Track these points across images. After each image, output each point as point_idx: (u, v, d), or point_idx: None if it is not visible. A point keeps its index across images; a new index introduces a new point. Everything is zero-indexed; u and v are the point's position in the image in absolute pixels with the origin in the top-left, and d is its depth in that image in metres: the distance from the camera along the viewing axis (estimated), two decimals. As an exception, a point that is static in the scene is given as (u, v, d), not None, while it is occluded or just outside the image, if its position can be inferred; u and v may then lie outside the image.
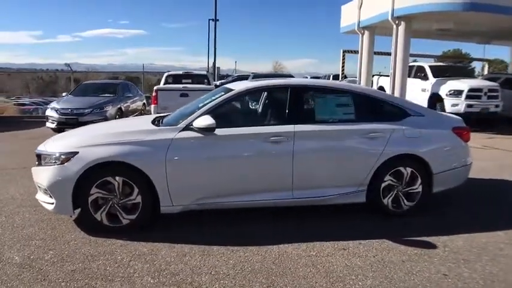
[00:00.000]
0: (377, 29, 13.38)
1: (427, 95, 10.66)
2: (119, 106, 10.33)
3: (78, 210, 3.50)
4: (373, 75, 14.30)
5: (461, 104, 9.96)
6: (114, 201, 3.41)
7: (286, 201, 3.71)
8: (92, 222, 3.42)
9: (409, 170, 3.87)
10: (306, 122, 3.71)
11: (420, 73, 11.38)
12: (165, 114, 4.46)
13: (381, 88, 13.29)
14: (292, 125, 3.64)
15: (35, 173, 3.59)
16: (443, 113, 4.66)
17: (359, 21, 13.77)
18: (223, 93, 3.85)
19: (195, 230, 3.56)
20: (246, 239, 3.35)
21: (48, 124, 9.29)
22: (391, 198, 3.89)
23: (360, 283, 2.70)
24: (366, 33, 13.92)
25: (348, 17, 14.96)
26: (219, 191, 3.58)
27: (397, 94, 10.71)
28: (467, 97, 9.94)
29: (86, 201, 3.36)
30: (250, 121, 3.86)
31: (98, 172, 3.35)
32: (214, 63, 23.68)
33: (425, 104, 10.68)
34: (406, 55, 10.88)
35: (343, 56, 16.86)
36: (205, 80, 10.73)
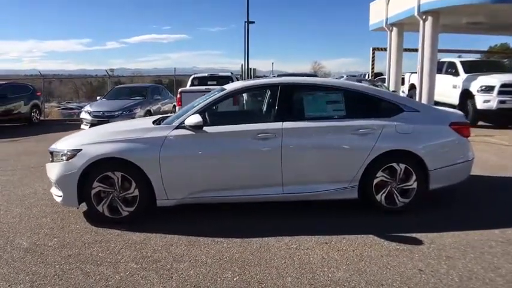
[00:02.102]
0: (405, 25, 12.97)
1: (458, 91, 10.20)
2: (148, 108, 10.88)
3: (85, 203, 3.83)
4: (404, 73, 13.89)
5: (493, 100, 9.44)
6: (115, 195, 3.71)
7: (277, 196, 3.82)
8: (95, 214, 3.75)
9: (402, 166, 3.83)
10: (294, 119, 3.80)
11: (451, 69, 10.89)
12: (169, 114, 4.73)
13: (412, 86, 12.88)
14: (281, 122, 3.75)
15: (48, 168, 3.98)
16: (442, 108, 4.52)
17: (387, 18, 13.42)
18: (217, 92, 4.04)
19: (188, 222, 3.77)
20: (233, 232, 3.50)
21: (82, 126, 10.00)
22: (384, 194, 3.87)
23: (330, 275, 2.76)
24: (394, 29, 13.53)
25: (376, 14, 14.62)
26: (210, 185, 3.76)
27: (424, 91, 10.36)
28: (500, 93, 9.40)
29: (89, 194, 3.68)
30: (241, 119, 4.02)
31: (99, 167, 3.66)
32: (246, 64, 24.01)
33: (456, 101, 10.25)
34: (434, 51, 10.47)
35: (373, 53, 16.48)
36: (230, 81, 11.00)
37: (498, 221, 3.68)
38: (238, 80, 11.38)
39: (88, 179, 3.66)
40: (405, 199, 3.90)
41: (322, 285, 2.63)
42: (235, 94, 4.01)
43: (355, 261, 2.95)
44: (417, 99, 10.75)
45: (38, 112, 12.97)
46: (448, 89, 10.67)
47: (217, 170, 3.73)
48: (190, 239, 3.38)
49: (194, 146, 3.71)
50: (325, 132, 3.80)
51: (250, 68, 30.24)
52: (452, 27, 12.80)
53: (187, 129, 3.70)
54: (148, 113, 10.74)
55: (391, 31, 13.69)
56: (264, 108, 4.02)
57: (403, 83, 13.80)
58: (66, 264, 2.95)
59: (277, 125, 3.73)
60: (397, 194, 3.88)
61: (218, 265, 2.92)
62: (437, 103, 10.86)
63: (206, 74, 11.76)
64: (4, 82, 12.30)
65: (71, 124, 13.54)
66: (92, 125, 9.76)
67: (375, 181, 3.84)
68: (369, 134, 3.78)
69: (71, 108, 24.32)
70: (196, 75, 11.55)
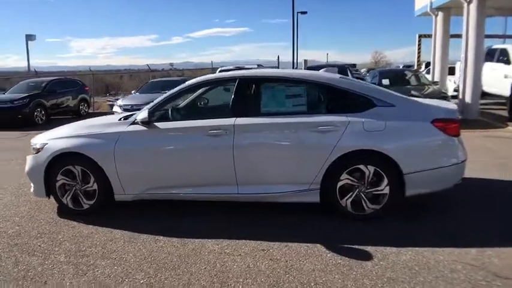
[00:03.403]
0: (452, 9, 11.51)
1: (510, 81, 8.80)
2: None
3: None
4: (455, 61, 12.40)
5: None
6: (77, 188, 3.83)
7: (231, 196, 3.62)
8: (61, 206, 3.92)
9: (371, 168, 3.38)
10: (249, 115, 3.55)
11: (503, 57, 9.44)
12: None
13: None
14: (234, 118, 3.53)
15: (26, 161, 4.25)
16: (425, 101, 3.86)
17: (431, 2, 12.03)
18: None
19: (145, 219, 3.75)
20: (180, 231, 3.39)
21: (116, 118, 10.62)
22: (350, 199, 3.46)
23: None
24: (440, 14, 12.09)
25: (421, -2, 13.22)
26: (165, 182, 3.70)
27: (469, 81, 9.07)
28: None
29: (54, 187, 3.86)
30: (197, 114, 3.85)
31: (61, 161, 3.80)
32: (296, 55, 23.50)
33: (508, 92, 8.88)
34: (480, 36, 9.05)
35: (419, 41, 14.96)
36: None
37: (481, 238, 3.07)
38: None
39: (52, 172, 3.82)
40: (375, 205, 3.44)
41: (223, 297, 2.42)
42: (193, 88, 3.86)
43: (279, 274, 2.67)
44: (460, 90, 9.51)
45: (86, 105, 14.10)
46: (498, 79, 9.27)
47: (169, 167, 3.65)
48: (132, 236, 3.36)
49: (146, 142, 3.66)
50: (281, 130, 3.49)
51: (305, 60, 29.74)
52: (506, 9, 11.04)
53: (140, 125, 3.67)
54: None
55: (436, 16, 12.26)
56: (221, 103, 3.83)
57: (453, 73, 12.34)
58: (6, 252, 3.12)
59: (230, 121, 3.52)
60: (366, 200, 3.45)
61: (137, 265, 2.85)
62: (486, 94, 9.51)
63: (232, 67, 11.70)
64: (55, 78, 13.53)
65: (120, 116, 14.50)
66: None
67: (339, 184, 3.44)
68: (330, 131, 3.38)
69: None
70: (222, 68, 11.53)
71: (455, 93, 10.78)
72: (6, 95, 12.12)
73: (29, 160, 3.96)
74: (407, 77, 11.13)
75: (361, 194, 3.44)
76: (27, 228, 3.61)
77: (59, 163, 3.80)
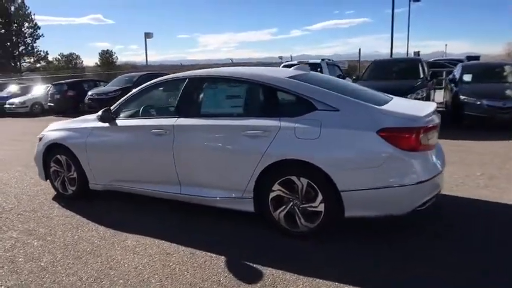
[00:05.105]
0: None
1: None
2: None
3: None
4: None
5: None
6: (64, 175, 4.34)
7: (175, 195, 3.61)
8: (54, 189, 4.49)
9: (304, 181, 2.97)
10: (190, 115, 3.47)
11: None
12: None
13: None
14: (175, 118, 3.51)
15: None
16: (379, 107, 3.06)
17: None
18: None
19: (113, 208, 4.00)
20: (124, 226, 3.51)
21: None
22: (283, 212, 3.11)
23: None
24: None
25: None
26: (122, 176, 3.91)
27: None
28: None
29: (49, 173, 4.44)
30: (150, 113, 3.91)
31: (51, 151, 4.35)
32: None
33: None
34: None
35: None
36: (318, 69, 10.24)
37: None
38: (327, 67, 10.47)
39: (47, 159, 4.41)
40: (309, 223, 3.02)
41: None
42: (152, 88, 3.92)
43: (145, 277, 2.59)
44: None
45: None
46: None
47: (123, 162, 3.84)
48: (80, 224, 3.63)
49: (107, 138, 3.92)
50: (214, 132, 3.32)
51: (416, 52, 27.13)
52: None
53: (102, 122, 3.94)
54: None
55: None
56: (168, 103, 3.82)
57: None
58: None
59: (171, 121, 3.51)
60: (300, 216, 3.05)
61: (50, 248, 3.11)
62: None
63: (295, 62, 11.29)
64: (146, 72, 15.00)
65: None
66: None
67: (271, 195, 3.12)
68: (260, 137, 3.08)
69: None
70: (286, 63, 11.23)
71: None
72: (105, 87, 14.17)
73: (36, 147, 4.64)
74: (504, 73, 9.18)
75: (296, 208, 3.06)
76: (18, 204, 4.23)
77: (51, 152, 4.36)
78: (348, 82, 4.07)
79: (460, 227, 3.22)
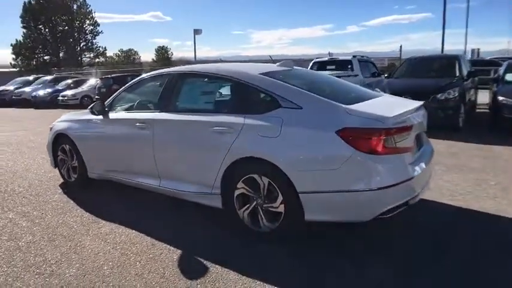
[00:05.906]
0: None
1: None
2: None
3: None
4: None
5: None
6: (69, 163, 4.66)
7: (155, 188, 3.72)
8: (61, 176, 4.83)
9: (265, 180, 2.92)
10: (169, 110, 3.55)
11: None
12: None
13: None
14: (156, 113, 3.61)
15: None
16: (346, 105, 2.82)
17: None
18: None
19: (108, 196, 4.21)
20: (108, 214, 3.68)
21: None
22: (247, 211, 3.09)
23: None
24: None
25: None
26: (112, 167, 4.11)
27: None
28: None
29: (56, 161, 4.79)
30: (137, 107, 4.03)
31: (58, 140, 4.68)
32: (442, 42, 20.08)
33: None
34: None
35: None
36: (349, 66, 9.88)
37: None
38: (359, 64, 10.03)
39: (55, 148, 4.75)
40: (270, 224, 2.97)
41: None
42: (143, 82, 4.05)
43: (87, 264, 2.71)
44: None
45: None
46: None
47: (111, 153, 4.04)
48: (71, 207, 3.90)
49: (101, 130, 4.14)
50: (186, 127, 3.36)
51: (474, 49, 25.30)
52: None
53: (96, 114, 4.16)
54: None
55: None
56: (152, 98, 3.90)
57: None
58: (-9, 202, 4.15)
59: (152, 115, 3.62)
60: (262, 215, 3.01)
61: (30, 229, 3.37)
62: None
63: (326, 59, 10.95)
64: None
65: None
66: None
67: (236, 193, 3.11)
68: (225, 133, 3.07)
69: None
70: (316, 60, 10.91)
71: None
72: None
73: (47, 137, 5.02)
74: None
75: (259, 207, 3.02)
76: (27, 186, 4.63)
77: (58, 141, 4.69)
78: (334, 78, 3.87)
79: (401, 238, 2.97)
